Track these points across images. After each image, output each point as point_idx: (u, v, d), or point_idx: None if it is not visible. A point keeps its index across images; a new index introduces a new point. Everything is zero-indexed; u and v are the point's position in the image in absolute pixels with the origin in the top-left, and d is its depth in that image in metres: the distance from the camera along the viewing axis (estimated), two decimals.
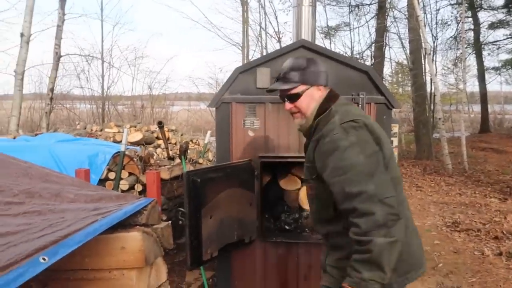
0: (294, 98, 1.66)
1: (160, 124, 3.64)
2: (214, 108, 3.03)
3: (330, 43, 16.59)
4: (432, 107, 13.59)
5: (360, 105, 2.82)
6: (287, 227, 3.26)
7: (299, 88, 1.65)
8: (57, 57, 9.98)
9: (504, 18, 18.38)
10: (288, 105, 1.69)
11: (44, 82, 13.54)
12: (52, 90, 9.96)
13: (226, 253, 2.84)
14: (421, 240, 1.74)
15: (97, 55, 14.32)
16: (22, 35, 8.70)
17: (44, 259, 1.13)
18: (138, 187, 3.93)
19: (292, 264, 2.96)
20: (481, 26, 18.94)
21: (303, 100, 1.65)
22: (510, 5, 17.61)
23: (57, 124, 12.16)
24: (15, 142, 4.38)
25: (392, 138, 3.03)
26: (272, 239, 3.02)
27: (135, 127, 6.44)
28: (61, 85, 14.51)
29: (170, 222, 1.87)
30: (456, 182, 8.96)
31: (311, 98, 1.66)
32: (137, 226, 1.69)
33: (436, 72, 14.93)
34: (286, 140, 2.91)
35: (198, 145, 6.59)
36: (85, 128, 6.58)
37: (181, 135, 7.20)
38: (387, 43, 15.24)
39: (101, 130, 6.31)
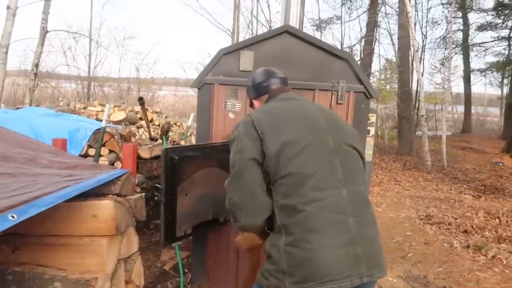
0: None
1: (141, 100, 3.64)
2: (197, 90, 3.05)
3: (321, 36, 16.63)
4: (416, 105, 13.81)
5: (340, 93, 2.88)
6: None
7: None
8: (44, 32, 9.76)
9: (492, 20, 18.70)
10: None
11: (30, 58, 13.28)
12: (37, 65, 9.77)
13: (201, 232, 2.89)
14: (361, 247, 1.48)
15: (85, 33, 14.08)
16: (8, 7, 8.48)
17: (13, 216, 1.16)
18: (118, 165, 3.94)
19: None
20: (470, 27, 19.23)
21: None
22: (499, 8, 17.90)
23: (41, 101, 11.96)
24: None
25: (369, 128, 3.10)
26: None
27: (119, 106, 6.41)
28: (47, 62, 14.25)
29: (143, 194, 1.91)
30: (433, 178, 9.19)
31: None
32: (110, 196, 1.72)
33: (423, 71, 15.16)
34: None
35: (182, 128, 6.60)
36: (68, 105, 6.52)
37: (165, 117, 7.19)
38: (377, 39, 15.37)
39: (84, 108, 6.26)
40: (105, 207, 1.64)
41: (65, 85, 16.20)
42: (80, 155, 3.84)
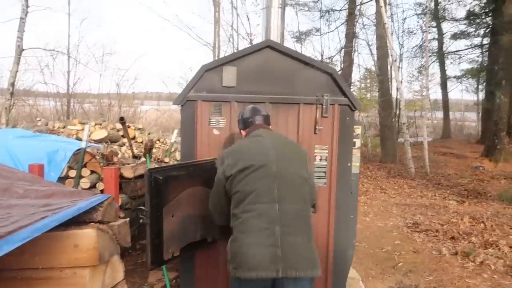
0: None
1: (122, 120, 3.55)
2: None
3: (301, 47, 16.82)
4: (397, 112, 14.02)
5: (324, 107, 2.86)
6: None
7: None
8: (19, 50, 9.58)
9: (465, 29, 19.29)
10: None
11: (5, 77, 12.94)
12: (13, 84, 9.55)
13: (189, 253, 2.80)
14: (280, 249, 1.92)
15: (63, 50, 13.85)
16: None
17: None
18: (100, 186, 3.82)
19: None
20: (444, 36, 19.80)
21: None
22: (471, 17, 18.52)
23: (18, 121, 11.64)
24: None
25: (354, 140, 3.08)
26: None
27: (100, 124, 6.27)
28: (24, 80, 13.94)
29: (128, 219, 1.83)
30: (418, 185, 9.28)
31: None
32: (92, 223, 1.64)
33: (401, 79, 15.46)
34: None
35: (166, 144, 6.49)
36: (47, 125, 6.34)
37: (148, 134, 7.07)
38: (356, 49, 15.63)
39: (64, 127, 6.10)
40: (87, 236, 1.56)
41: (44, 103, 15.83)
42: (60, 177, 3.71)
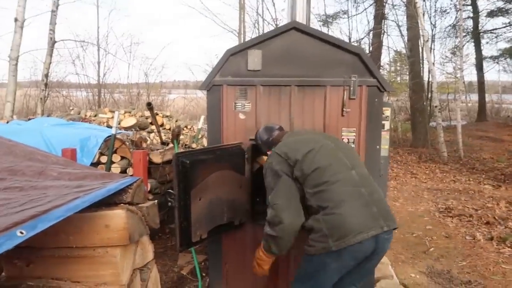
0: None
1: (149, 105, 3.61)
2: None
3: (328, 31, 16.46)
4: (429, 95, 13.56)
5: (352, 88, 2.80)
6: None
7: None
8: (52, 42, 9.88)
9: (503, 6, 18.23)
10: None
11: (39, 69, 13.42)
12: (46, 76, 9.88)
13: (216, 236, 2.85)
14: (375, 207, 2.03)
15: (93, 41, 14.19)
16: (16, 20, 8.59)
17: (21, 232, 1.11)
18: (130, 171, 3.92)
19: None
20: (480, 14, 18.80)
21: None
22: None
23: (52, 111, 12.09)
24: (7, 126, 4.35)
25: (383, 122, 3.00)
26: (262, 222, 3.02)
27: (130, 112, 6.42)
28: (57, 71, 14.41)
29: (156, 201, 1.86)
30: (451, 170, 8.99)
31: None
32: (122, 205, 1.68)
33: (434, 61, 14.86)
34: (277, 123, 2.89)
35: (193, 130, 6.57)
36: (79, 114, 6.55)
37: (176, 121, 7.17)
38: (385, 31, 15.15)
39: (95, 116, 6.28)
40: (117, 216, 1.60)
41: (76, 93, 16.34)
42: (92, 163, 3.84)
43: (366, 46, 15.50)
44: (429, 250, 4.30)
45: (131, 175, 3.84)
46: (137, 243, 1.75)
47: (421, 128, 12.41)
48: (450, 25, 18.46)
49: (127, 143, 3.93)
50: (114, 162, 3.91)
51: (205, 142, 5.96)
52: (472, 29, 18.91)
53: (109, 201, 1.66)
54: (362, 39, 15.94)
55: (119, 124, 5.30)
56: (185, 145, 4.93)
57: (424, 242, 4.53)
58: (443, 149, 10.19)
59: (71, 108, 8.49)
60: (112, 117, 5.77)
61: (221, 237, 2.99)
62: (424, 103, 13.03)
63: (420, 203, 6.30)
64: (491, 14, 18.77)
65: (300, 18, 3.28)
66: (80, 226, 1.58)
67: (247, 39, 13.51)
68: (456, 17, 16.51)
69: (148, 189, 3.78)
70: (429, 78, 13.21)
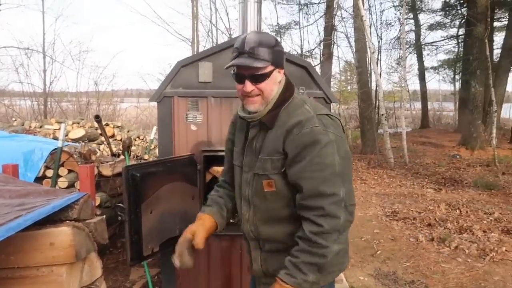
0: (260, 79, 1.43)
1: (97, 118, 3.52)
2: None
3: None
4: (376, 104, 14.25)
5: None
6: (231, 220, 3.28)
7: (268, 68, 1.43)
8: None
9: (441, 20, 19.67)
10: (249, 87, 1.44)
11: None
12: None
13: (169, 248, 2.82)
14: None
15: (38, 48, 13.53)
16: None
17: None
18: (79, 185, 3.79)
19: (236, 256, 3.01)
20: (421, 27, 20.13)
21: (269, 83, 1.45)
22: (447, 8, 18.88)
23: None
24: None
25: None
26: (216, 232, 3.04)
27: (78, 123, 6.19)
28: None
29: (104, 216, 1.84)
30: (397, 175, 9.49)
31: (275, 81, 1.48)
32: (68, 221, 1.65)
33: (380, 71, 15.70)
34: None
35: (145, 141, 6.46)
36: (23, 125, 6.23)
37: (128, 131, 7.01)
38: (335, 42, 15.77)
39: (40, 127, 6.00)
40: (63, 234, 1.57)
41: (20, 102, 15.44)
42: (37, 177, 3.67)
43: (317, 57, 16.05)
44: (377, 253, 4.52)
45: (79, 189, 3.72)
46: (85, 260, 1.71)
47: (370, 135, 13.00)
48: (394, 37, 19.58)
49: (75, 156, 3.80)
50: (61, 176, 3.76)
51: (158, 153, 5.88)
52: (414, 41, 20.19)
53: (54, 218, 1.62)
54: (313, 49, 16.52)
55: (66, 135, 5.10)
56: (137, 156, 4.84)
57: (372, 246, 4.76)
58: (390, 155, 10.73)
59: (13, 119, 8.03)
60: (59, 129, 5.54)
61: (173, 249, 2.96)
62: (372, 112, 13.67)
63: (369, 208, 6.59)
64: (431, 27, 20.18)
65: (251, 29, 3.37)
66: (22, 245, 1.53)
67: (201, 48, 13.53)
68: (399, 30, 17.54)
69: (97, 203, 3.67)
70: (376, 87, 13.90)
